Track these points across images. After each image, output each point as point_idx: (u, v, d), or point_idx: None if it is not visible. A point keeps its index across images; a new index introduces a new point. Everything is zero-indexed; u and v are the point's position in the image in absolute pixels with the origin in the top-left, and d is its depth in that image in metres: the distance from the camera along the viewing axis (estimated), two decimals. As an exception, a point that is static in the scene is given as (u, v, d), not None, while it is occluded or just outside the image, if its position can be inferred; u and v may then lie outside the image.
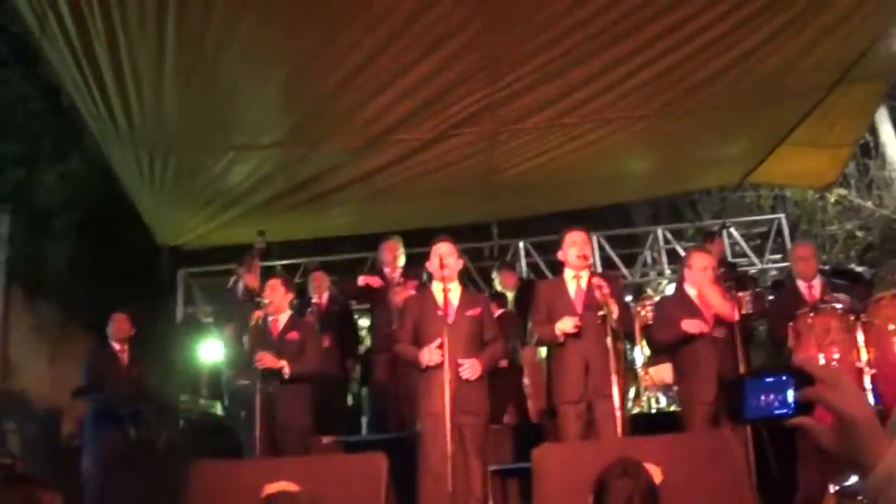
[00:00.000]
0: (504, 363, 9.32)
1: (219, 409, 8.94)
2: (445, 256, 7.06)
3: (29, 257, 10.99)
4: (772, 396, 1.68)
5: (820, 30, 8.16)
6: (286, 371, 7.41)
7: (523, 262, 14.39)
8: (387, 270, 10.05)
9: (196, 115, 8.58)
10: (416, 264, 9.97)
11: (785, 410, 1.66)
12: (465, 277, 7.52)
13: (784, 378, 1.67)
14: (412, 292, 9.27)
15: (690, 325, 7.33)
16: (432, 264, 7.13)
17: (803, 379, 1.64)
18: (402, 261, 10.03)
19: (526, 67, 8.33)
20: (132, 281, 11.75)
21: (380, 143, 9.47)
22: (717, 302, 7.41)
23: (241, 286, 9.84)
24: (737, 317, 7.27)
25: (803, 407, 1.64)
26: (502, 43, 7.92)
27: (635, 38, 8.04)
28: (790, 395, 1.65)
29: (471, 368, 6.75)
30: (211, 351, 11.10)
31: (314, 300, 10.53)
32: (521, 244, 14.48)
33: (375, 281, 9.97)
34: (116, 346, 8.93)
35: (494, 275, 11.45)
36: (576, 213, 12.25)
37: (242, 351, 8.07)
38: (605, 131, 9.96)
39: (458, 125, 9.26)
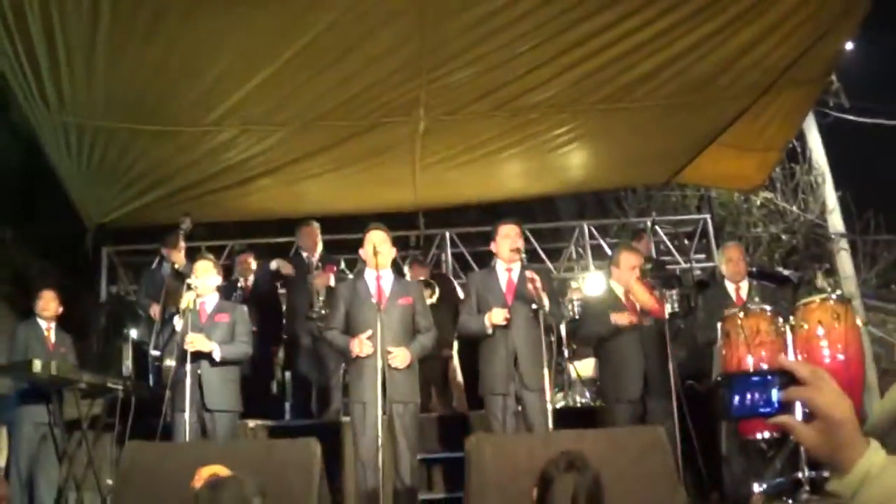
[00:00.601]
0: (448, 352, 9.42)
1: (145, 390, 8.79)
2: (379, 244, 7.06)
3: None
4: (757, 395, 1.71)
5: (755, 34, 8.27)
6: (216, 354, 7.33)
7: (449, 251, 14.38)
8: (305, 255, 10.10)
9: (127, 93, 8.46)
10: (333, 251, 10.02)
11: (769, 409, 1.70)
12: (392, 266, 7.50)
13: (769, 378, 1.71)
14: (331, 277, 9.31)
15: (620, 318, 7.43)
16: (366, 251, 7.10)
17: (787, 379, 1.68)
18: (321, 245, 10.08)
19: (459, 61, 8.36)
20: (54, 259, 11.55)
21: (310, 129, 9.43)
22: (644, 299, 7.50)
23: (166, 266, 9.73)
24: (665, 314, 7.35)
25: (787, 406, 1.68)
26: (437, 35, 7.93)
27: (568, 36, 8.11)
28: (774, 394, 1.69)
29: (400, 357, 6.75)
30: (136, 330, 10.94)
31: (240, 283, 10.46)
32: (447, 234, 14.46)
33: (287, 269, 10.01)
34: (43, 324, 8.78)
35: (406, 269, 11.45)
36: (502, 204, 12.33)
37: (170, 331, 7.97)
38: (535, 127, 10.02)
39: (388, 114, 9.26)
